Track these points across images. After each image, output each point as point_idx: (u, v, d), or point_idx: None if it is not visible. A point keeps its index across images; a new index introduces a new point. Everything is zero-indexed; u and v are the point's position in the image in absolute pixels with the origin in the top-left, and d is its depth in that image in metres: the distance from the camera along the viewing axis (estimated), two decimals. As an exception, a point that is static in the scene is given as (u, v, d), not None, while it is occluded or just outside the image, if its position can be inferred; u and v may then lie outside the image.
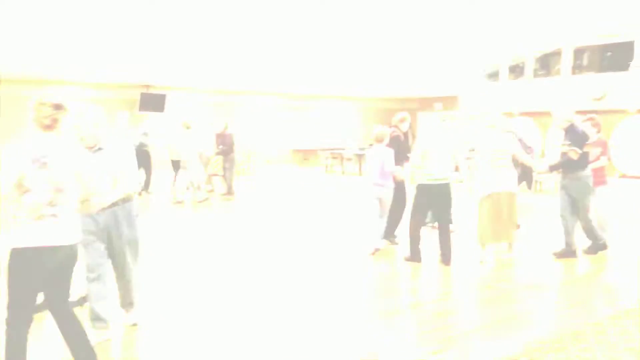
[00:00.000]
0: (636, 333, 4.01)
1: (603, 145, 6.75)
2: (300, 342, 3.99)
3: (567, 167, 6.25)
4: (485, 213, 6.22)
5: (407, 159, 7.05)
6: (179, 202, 10.87)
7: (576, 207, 6.30)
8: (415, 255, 6.23)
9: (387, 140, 6.79)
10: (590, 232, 6.45)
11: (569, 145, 6.11)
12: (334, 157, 19.01)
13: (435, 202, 6.18)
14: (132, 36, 14.96)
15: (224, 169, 12.06)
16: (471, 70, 20.07)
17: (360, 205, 9.98)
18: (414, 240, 6.26)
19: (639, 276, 5.71)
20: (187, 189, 11.02)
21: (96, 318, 3.88)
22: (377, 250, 6.68)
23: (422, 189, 6.17)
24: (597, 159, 6.58)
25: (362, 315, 4.52)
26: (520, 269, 6.07)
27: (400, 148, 6.94)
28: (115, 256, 3.97)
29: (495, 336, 4.16)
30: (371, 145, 7.25)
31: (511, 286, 5.45)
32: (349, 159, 18.51)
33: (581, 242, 6.53)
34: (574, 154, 6.04)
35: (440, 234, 6.22)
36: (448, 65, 20.14)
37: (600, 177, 6.64)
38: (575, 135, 6.13)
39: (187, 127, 11.18)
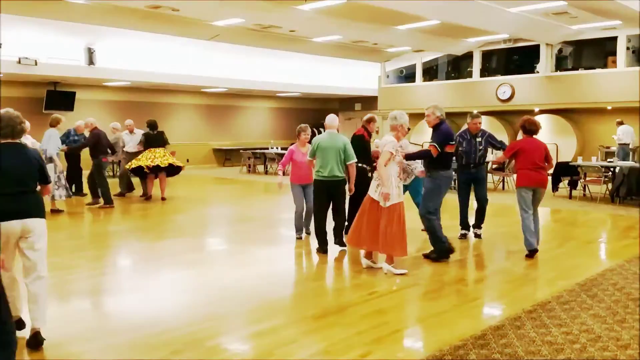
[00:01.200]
0: (552, 326, 4.19)
1: (509, 147, 6.86)
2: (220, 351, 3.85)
3: (429, 163, 6.32)
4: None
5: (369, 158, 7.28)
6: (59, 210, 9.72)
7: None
8: (321, 247, 6.62)
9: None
10: (431, 234, 6.31)
11: (430, 142, 6.30)
12: (256, 157, 18.80)
13: (328, 196, 6.60)
14: (37, 30, 14.03)
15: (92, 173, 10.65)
16: (390, 72, 20.55)
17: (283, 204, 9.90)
18: (318, 232, 6.63)
19: (549, 270, 6.03)
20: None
21: None
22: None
23: (315, 184, 6.66)
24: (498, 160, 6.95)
25: (285, 322, 4.43)
26: (436, 266, 6.20)
27: (364, 147, 7.13)
28: None
29: (420, 336, 4.21)
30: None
31: (431, 284, 5.55)
32: (272, 159, 18.38)
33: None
34: (433, 150, 6.16)
35: (334, 225, 6.76)
36: (368, 66, 20.55)
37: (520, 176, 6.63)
38: (438, 134, 6.26)
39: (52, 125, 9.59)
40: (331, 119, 6.71)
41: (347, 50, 17.79)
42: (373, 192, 5.83)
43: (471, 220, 7.62)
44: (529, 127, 6.62)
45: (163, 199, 11.39)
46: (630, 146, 14.71)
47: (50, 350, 3.83)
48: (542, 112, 17.33)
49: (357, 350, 3.80)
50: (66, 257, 6.48)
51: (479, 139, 7.46)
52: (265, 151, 18.47)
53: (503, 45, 17.10)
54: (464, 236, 7.53)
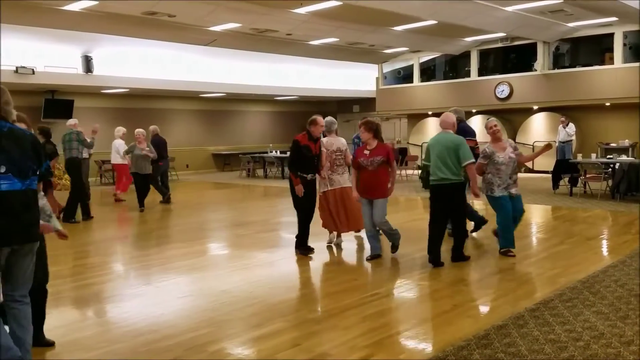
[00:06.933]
0: (555, 324, 4.16)
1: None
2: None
3: None
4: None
5: None
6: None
7: None
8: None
9: None
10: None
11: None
12: (255, 161, 18.80)
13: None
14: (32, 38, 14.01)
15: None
16: (387, 73, 20.55)
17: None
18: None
19: (551, 267, 6.00)
20: None
21: None
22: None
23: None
24: None
25: (286, 326, 4.40)
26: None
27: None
28: None
29: (422, 337, 4.18)
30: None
31: (432, 284, 5.53)
32: (272, 163, 18.37)
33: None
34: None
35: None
36: (365, 68, 20.54)
37: None
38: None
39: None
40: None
41: (344, 52, 17.80)
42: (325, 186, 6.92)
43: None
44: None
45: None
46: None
47: (50, 358, 3.81)
48: (540, 110, 17.33)
49: (360, 353, 3.78)
50: (65, 266, 6.46)
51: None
52: (264, 155, 18.47)
53: (500, 44, 17.10)
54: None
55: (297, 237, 6.81)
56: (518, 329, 4.08)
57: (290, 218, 7.55)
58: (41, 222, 3.51)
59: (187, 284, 5.79)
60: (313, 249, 6.78)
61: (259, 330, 4.27)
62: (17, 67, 13.81)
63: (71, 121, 10.60)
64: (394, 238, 6.46)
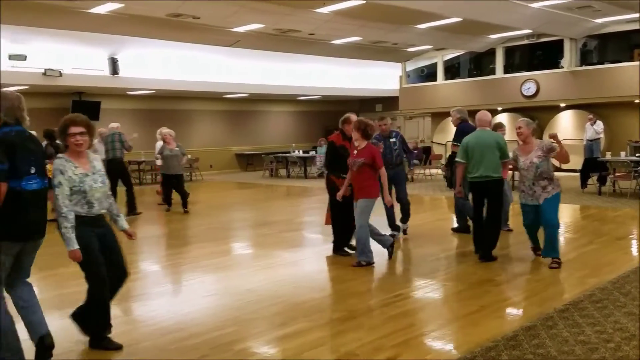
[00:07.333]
0: (585, 325, 4.08)
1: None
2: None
3: None
4: None
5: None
6: None
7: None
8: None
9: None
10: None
11: None
12: (278, 161, 18.87)
13: None
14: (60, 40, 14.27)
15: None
16: (410, 72, 20.41)
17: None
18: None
19: (580, 267, 5.89)
20: None
21: None
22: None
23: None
24: None
25: (312, 325, 4.39)
26: (462, 267, 6.11)
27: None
28: None
29: (449, 337, 4.14)
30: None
31: (458, 285, 5.47)
32: (294, 162, 18.41)
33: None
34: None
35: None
36: (388, 67, 20.43)
37: None
38: None
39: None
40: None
41: (367, 51, 17.73)
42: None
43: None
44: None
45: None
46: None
47: (79, 356, 3.87)
48: (567, 107, 17.03)
49: (386, 353, 3.75)
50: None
51: (392, 140, 7.46)
52: (287, 155, 18.52)
53: (526, 41, 16.85)
54: (393, 237, 7.20)
55: (334, 242, 6.71)
56: (547, 330, 4.01)
57: (313, 217, 7.56)
58: (74, 247, 3.57)
59: (212, 282, 5.84)
60: (350, 253, 6.61)
61: (284, 329, 4.27)
62: (45, 70, 14.09)
63: (114, 124, 10.96)
64: (361, 251, 6.07)
